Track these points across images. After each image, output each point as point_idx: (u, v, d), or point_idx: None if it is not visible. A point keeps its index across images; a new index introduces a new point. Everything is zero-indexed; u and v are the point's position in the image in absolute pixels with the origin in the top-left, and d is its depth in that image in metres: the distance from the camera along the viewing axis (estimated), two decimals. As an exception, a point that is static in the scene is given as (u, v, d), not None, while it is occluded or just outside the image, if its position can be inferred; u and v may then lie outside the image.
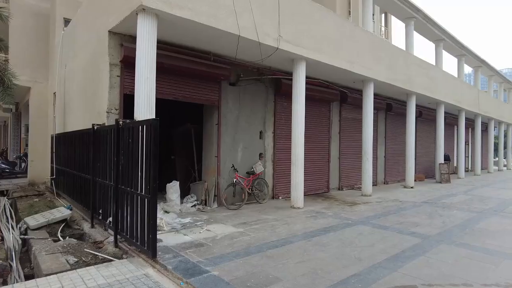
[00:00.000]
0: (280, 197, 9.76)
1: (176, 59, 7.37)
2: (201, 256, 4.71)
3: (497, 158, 27.00)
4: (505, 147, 27.37)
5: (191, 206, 8.14)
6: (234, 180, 8.29)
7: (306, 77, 9.88)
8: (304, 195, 10.17)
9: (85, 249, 4.99)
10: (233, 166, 8.46)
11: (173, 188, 7.99)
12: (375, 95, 12.86)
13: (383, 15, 21.95)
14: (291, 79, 8.63)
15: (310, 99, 10.48)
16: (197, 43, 7.46)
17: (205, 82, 8.12)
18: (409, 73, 12.61)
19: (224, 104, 8.51)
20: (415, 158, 16.57)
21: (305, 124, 10.19)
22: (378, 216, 7.68)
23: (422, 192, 12.15)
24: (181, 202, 8.29)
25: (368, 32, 10.66)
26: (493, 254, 5.17)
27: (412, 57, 13.12)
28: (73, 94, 9.16)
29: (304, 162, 10.18)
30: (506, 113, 25.72)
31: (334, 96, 11.34)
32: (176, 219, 6.91)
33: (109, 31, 6.74)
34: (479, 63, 20.79)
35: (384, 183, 14.43)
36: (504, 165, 27.13)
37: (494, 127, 24.96)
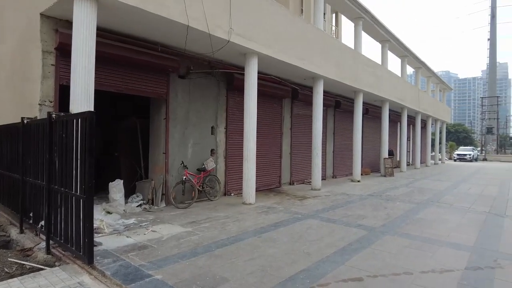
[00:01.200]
0: (232, 194, 9.62)
1: (119, 48, 6.87)
2: (144, 259, 4.42)
3: (433, 153, 29.31)
4: (440, 143, 29.81)
5: (137, 206, 7.70)
6: (184, 177, 7.98)
7: (259, 73, 9.82)
8: (256, 191, 10.11)
9: (9, 259, 4.43)
10: (182, 163, 8.14)
11: (117, 187, 7.49)
12: (325, 92, 13.21)
13: (334, 14, 22.64)
14: (243, 74, 8.49)
15: (262, 95, 10.46)
16: (144, 33, 7.01)
17: (152, 74, 7.69)
18: (357, 72, 13.08)
19: (173, 98, 8.14)
20: (362, 153, 17.30)
21: (257, 119, 10.19)
22: (327, 210, 7.85)
23: (368, 185, 12.72)
24: (126, 202, 7.81)
25: (319, 30, 10.84)
26: (430, 242, 5.48)
27: (360, 56, 13.63)
28: (1, 84, 8.20)
29: (257, 157, 10.15)
30: (442, 111, 28.04)
31: (286, 93, 11.42)
32: (119, 220, 6.48)
33: (41, 14, 6.07)
34: (419, 65, 22.27)
35: (333, 177, 14.91)
36: (439, 159, 29.55)
37: (432, 124, 27.06)
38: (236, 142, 9.53)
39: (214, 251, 4.79)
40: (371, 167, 18.24)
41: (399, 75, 19.46)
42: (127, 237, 5.45)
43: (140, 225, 6.18)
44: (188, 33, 6.75)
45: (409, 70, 22.83)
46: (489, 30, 50.62)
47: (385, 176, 16.09)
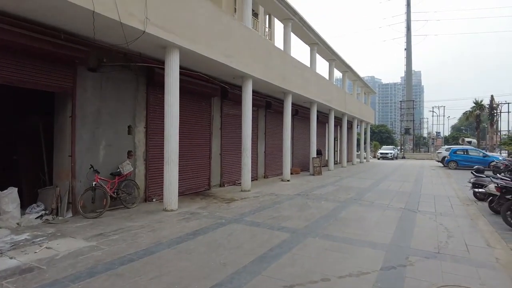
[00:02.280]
0: (154, 200, 8.87)
1: (9, 32, 5.77)
2: (24, 287, 3.61)
3: (359, 152, 31.28)
4: (365, 142, 31.93)
5: (36, 218, 6.60)
6: (94, 183, 7.06)
7: (185, 69, 9.27)
8: (182, 195, 9.56)
9: None
10: (92, 167, 7.19)
11: (9, 197, 6.35)
12: (256, 92, 13.07)
13: (267, 16, 22.77)
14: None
15: (189, 93, 9.90)
16: (43, 17, 5.99)
17: (54, 65, 6.65)
18: (286, 73, 13.15)
19: (81, 93, 7.16)
20: (292, 153, 17.67)
21: (184, 119, 9.61)
22: (253, 212, 7.58)
23: (296, 184, 12.82)
24: (23, 214, 6.68)
25: (248, 28, 10.59)
26: (349, 242, 5.47)
27: (289, 57, 13.74)
28: None
29: (183, 159, 9.60)
30: (366, 113, 30.03)
31: (214, 91, 10.96)
32: (8, 237, 5.43)
33: None
34: (346, 69, 23.46)
35: (265, 177, 14.86)
36: (364, 158, 31.62)
37: (357, 125, 28.81)
38: (159, 143, 8.80)
39: (116, 269, 4.15)
40: (301, 166, 18.63)
41: (327, 78, 20.24)
42: (11, 258, 4.52)
43: (33, 241, 5.23)
44: (95, 20, 5.92)
45: (337, 74, 23.94)
46: (405, 41, 55.91)
47: (313, 175, 16.50)
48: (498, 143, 41.34)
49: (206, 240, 5.42)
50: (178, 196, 8.06)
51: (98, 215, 6.92)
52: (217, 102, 11.53)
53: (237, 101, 11.55)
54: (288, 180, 13.82)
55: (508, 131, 49.84)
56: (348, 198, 9.82)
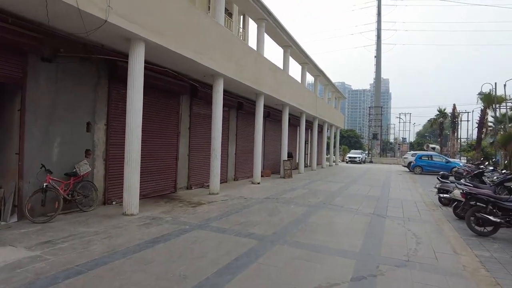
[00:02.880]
0: (114, 203, 8.26)
1: None
2: None
3: (329, 155, 31.66)
4: (334, 146, 32.39)
5: (-26, 222, 5.87)
6: (45, 184, 6.40)
7: (152, 64, 8.77)
8: (145, 198, 9.03)
9: None
10: (43, 166, 6.52)
11: None
12: (228, 92, 12.73)
13: (241, 16, 22.48)
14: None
15: (155, 89, 9.38)
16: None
17: (0, 52, 5.96)
18: (259, 74, 12.90)
19: (32, 85, 6.48)
20: (263, 155, 17.46)
21: (148, 116, 9.09)
22: (220, 217, 7.21)
23: (267, 187, 12.59)
24: (-41, 217, 5.92)
25: (220, 25, 10.22)
26: (319, 250, 5.24)
27: (262, 58, 13.51)
28: None
29: (147, 159, 9.07)
30: (337, 117, 30.48)
31: (183, 89, 10.48)
32: None
33: None
34: (318, 73, 23.60)
35: (235, 180, 14.50)
36: (334, 161, 32.07)
37: (327, 129, 29.14)
38: (121, 141, 8.18)
39: (59, 284, 3.64)
40: (272, 168, 18.45)
41: (300, 81, 20.24)
42: None
43: (-35, 251, 4.57)
44: (48, 3, 5.35)
45: (309, 78, 24.09)
46: (375, 49, 57.67)
47: (284, 177, 16.36)
48: (459, 149, 43.56)
49: (166, 249, 4.98)
50: (140, 199, 7.54)
51: (48, 219, 6.26)
52: (186, 100, 11.05)
53: (208, 101, 11.14)
54: (258, 183, 13.57)
55: (467, 138, 52.96)
56: (318, 202, 9.69)
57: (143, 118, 7.38)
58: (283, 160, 16.74)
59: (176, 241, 5.40)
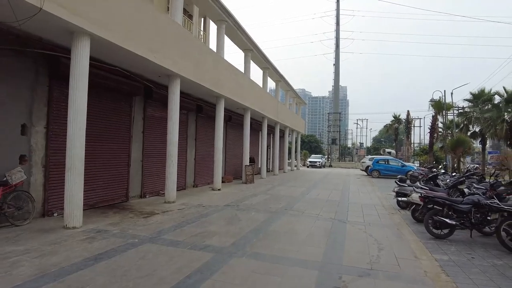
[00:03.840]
0: (55, 214, 7.38)
1: None
2: None
3: (290, 160, 31.87)
4: (296, 151, 32.68)
5: None
6: (-35, 195, 5.50)
7: (99, 62, 8.05)
8: (91, 208, 8.27)
9: None
10: (-38, 174, 5.62)
11: None
12: (186, 94, 12.19)
13: (202, 19, 21.98)
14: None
15: (104, 89, 8.66)
16: None
17: None
18: (219, 76, 12.49)
19: (-50, 81, 5.57)
20: (225, 160, 17.04)
21: (95, 119, 8.40)
22: (174, 228, 6.65)
23: (227, 194, 12.19)
24: None
25: (177, 23, 9.69)
26: (280, 261, 4.91)
27: (222, 60, 13.12)
28: None
29: (94, 166, 8.33)
30: (298, 123, 30.77)
31: (137, 90, 9.79)
32: None
33: None
34: (279, 78, 23.64)
35: (194, 186, 13.91)
36: (295, 166, 32.33)
37: (289, 134, 29.32)
38: (63, 146, 7.34)
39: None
40: (234, 174, 18.08)
41: (261, 86, 20.10)
42: None
43: None
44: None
45: (271, 84, 24.22)
46: (334, 57, 59.46)
47: (246, 183, 16.04)
48: (412, 153, 45.89)
49: (109, 267, 4.38)
50: (86, 209, 6.80)
51: (-33, 237, 5.37)
52: (139, 102, 10.35)
53: (164, 103, 10.49)
54: (219, 189, 13.09)
55: (420, 143, 56.17)
56: (279, 208, 9.44)
57: (89, 121, 6.70)
58: (245, 165, 16.42)
59: (122, 257, 4.80)
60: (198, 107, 13.70)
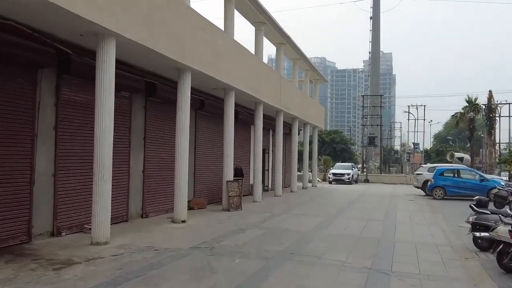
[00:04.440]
0: None
1: None
2: None
3: (301, 172, 31.71)
4: (311, 157, 32.51)
5: None
6: None
7: None
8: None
9: None
10: None
11: None
12: (129, 66, 12.22)
13: None
14: None
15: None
16: None
17: None
18: (183, 36, 12.49)
19: None
20: (195, 173, 16.91)
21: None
22: (103, 289, 6.38)
23: (197, 228, 12.21)
24: None
25: None
26: None
27: (190, 11, 13.03)
28: None
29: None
30: (313, 112, 30.64)
31: (44, 57, 9.64)
32: None
33: None
34: (282, 39, 23.47)
35: (143, 216, 13.73)
36: (310, 181, 32.19)
37: (299, 130, 29.16)
38: None
39: None
40: (209, 196, 18.18)
41: (253, 53, 19.97)
42: None
43: None
44: None
45: (269, 47, 24.14)
46: (371, 5, 59.35)
47: (228, 210, 16.07)
48: (498, 160, 44.95)
49: None
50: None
51: None
52: (49, 78, 10.15)
53: (91, 79, 10.29)
54: (183, 221, 12.96)
55: (509, 143, 54.85)
56: (281, 252, 9.47)
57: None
58: (227, 181, 16.33)
59: None
60: (149, 86, 13.64)
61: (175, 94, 13.51)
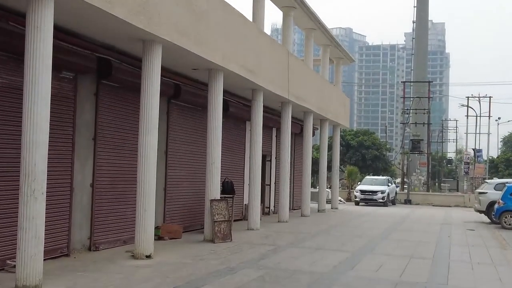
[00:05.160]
0: None
1: None
2: None
3: (317, 188, 31.64)
4: (331, 168, 32.36)
5: None
6: None
7: None
8: None
9: None
10: None
11: None
12: (74, 35, 12.25)
13: None
14: None
15: None
16: None
17: None
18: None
19: None
20: (165, 187, 16.95)
21: None
22: None
23: (167, 267, 12.13)
24: None
25: None
26: None
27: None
28: None
29: None
30: (333, 104, 30.59)
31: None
32: None
33: None
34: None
35: (91, 249, 13.64)
36: (329, 200, 32.11)
37: (315, 128, 29.10)
38: None
39: None
40: (185, 220, 18.32)
41: (250, 19, 19.97)
42: None
43: None
44: None
45: (271, 13, 24.07)
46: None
47: (212, 240, 16.00)
48: None
49: None
50: None
51: None
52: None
53: (20, 53, 10.25)
54: (148, 256, 12.91)
55: None
56: None
57: None
58: (211, 201, 16.24)
59: None
60: (102, 64, 13.58)
61: (139, 76, 13.44)
